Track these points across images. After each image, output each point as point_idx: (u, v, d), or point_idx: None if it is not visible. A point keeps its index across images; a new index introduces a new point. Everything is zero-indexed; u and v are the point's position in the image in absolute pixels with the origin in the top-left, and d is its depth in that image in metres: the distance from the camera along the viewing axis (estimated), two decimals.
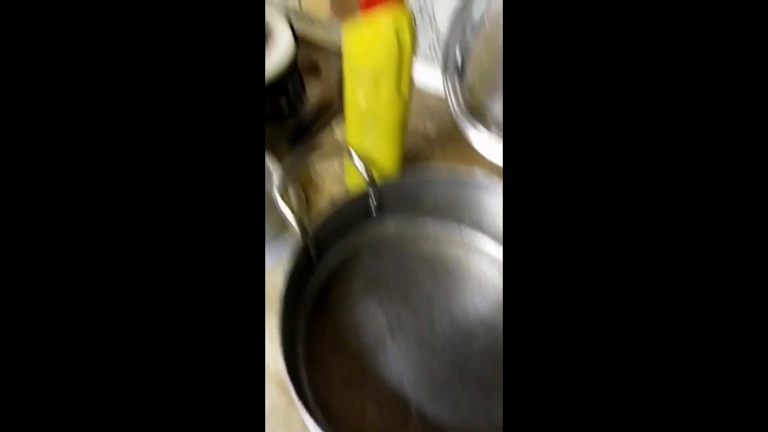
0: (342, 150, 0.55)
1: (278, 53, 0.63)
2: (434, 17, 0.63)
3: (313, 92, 0.65)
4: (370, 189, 0.44)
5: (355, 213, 0.46)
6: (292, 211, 0.39)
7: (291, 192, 0.52)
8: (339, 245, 0.46)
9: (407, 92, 0.41)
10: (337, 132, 0.61)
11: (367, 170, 0.44)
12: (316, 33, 0.76)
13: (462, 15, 0.51)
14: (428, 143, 0.60)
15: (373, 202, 0.46)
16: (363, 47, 0.38)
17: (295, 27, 0.66)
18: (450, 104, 0.56)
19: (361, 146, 0.46)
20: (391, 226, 0.49)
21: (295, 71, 0.65)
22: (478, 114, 0.56)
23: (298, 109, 0.62)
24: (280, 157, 0.55)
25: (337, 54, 0.72)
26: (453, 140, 0.60)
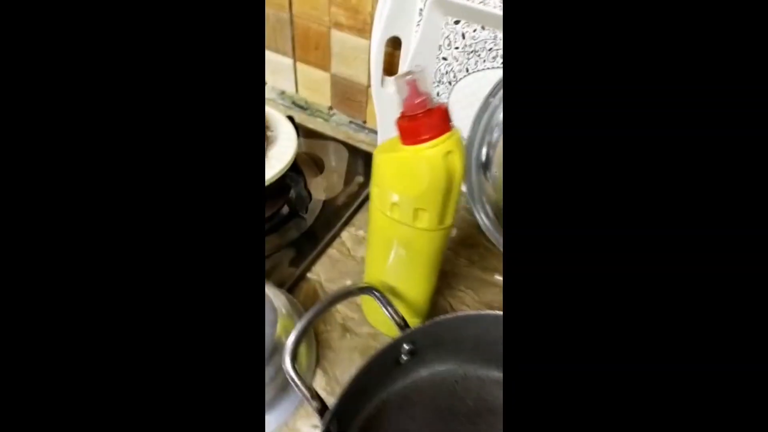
0: (358, 268, 0.47)
1: (278, 150, 0.55)
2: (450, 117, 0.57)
3: (316, 191, 0.57)
4: (402, 336, 0.35)
5: (382, 365, 0.36)
6: (303, 381, 0.30)
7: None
8: (364, 406, 0.37)
9: (451, 222, 0.33)
10: (346, 239, 0.53)
11: (397, 314, 0.35)
12: (316, 123, 0.69)
13: (483, 112, 0.46)
14: (451, 248, 0.52)
15: (404, 349, 0.36)
16: (402, 174, 0.30)
17: (294, 118, 0.59)
18: (475, 210, 0.49)
19: (383, 278, 0.38)
20: (423, 372, 0.39)
21: (298, 170, 0.58)
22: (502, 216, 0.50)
23: (300, 214, 0.54)
24: (280, 280, 0.46)
25: (341, 143, 0.66)
26: (477, 244, 0.53)
